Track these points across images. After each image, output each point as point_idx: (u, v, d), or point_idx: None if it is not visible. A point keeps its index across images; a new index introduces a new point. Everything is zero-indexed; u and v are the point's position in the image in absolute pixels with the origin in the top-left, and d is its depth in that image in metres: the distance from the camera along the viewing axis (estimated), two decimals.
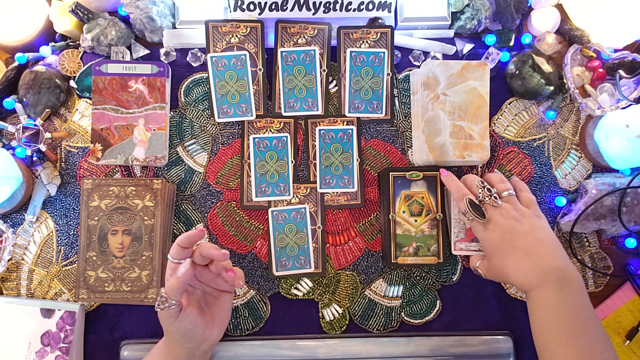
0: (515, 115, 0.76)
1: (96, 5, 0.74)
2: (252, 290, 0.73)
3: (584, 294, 0.58)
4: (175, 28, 0.76)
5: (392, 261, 0.71)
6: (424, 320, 0.73)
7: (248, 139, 0.73)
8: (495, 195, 0.63)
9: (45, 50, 0.74)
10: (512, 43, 0.76)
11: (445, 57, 0.76)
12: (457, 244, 0.70)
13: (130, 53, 0.75)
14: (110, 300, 0.69)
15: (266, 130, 0.74)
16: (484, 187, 0.64)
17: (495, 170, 0.74)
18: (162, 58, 0.75)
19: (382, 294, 0.73)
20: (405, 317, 0.73)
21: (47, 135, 0.72)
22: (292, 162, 0.73)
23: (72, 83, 0.73)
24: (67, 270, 0.72)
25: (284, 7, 0.74)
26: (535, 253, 0.59)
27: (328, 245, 0.73)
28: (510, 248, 0.60)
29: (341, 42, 0.74)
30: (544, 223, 0.63)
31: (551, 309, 0.57)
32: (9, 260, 0.71)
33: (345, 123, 0.74)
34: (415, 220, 0.72)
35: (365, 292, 0.73)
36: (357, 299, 0.73)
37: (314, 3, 0.74)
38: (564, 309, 0.56)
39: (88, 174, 0.73)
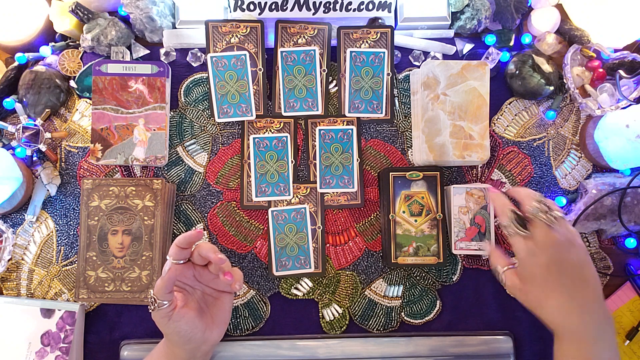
0: (515, 115, 0.76)
1: (96, 5, 0.74)
2: (252, 290, 0.73)
3: (616, 347, 0.55)
4: (175, 28, 0.76)
5: (392, 261, 0.71)
6: (424, 320, 0.73)
7: (248, 139, 0.73)
8: (554, 213, 0.56)
9: (45, 50, 0.74)
10: (512, 43, 0.76)
11: (445, 57, 0.76)
12: (457, 243, 0.70)
13: (130, 53, 0.75)
14: (110, 300, 0.69)
15: (266, 130, 0.74)
16: (541, 202, 0.57)
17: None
18: (162, 58, 0.75)
19: (382, 294, 0.73)
20: (405, 317, 0.73)
21: (47, 135, 0.72)
22: (292, 162, 0.73)
23: (72, 83, 0.73)
24: (67, 270, 0.72)
25: (284, 7, 0.74)
26: (581, 296, 0.55)
27: (328, 245, 0.73)
28: (555, 284, 0.55)
29: (341, 42, 0.74)
30: (589, 258, 0.57)
31: (581, 358, 0.54)
32: (9, 260, 0.71)
33: (345, 123, 0.74)
34: (415, 220, 0.72)
35: (365, 292, 0.73)
36: (357, 299, 0.73)
37: (314, 3, 0.74)
38: None
39: (88, 174, 0.73)
